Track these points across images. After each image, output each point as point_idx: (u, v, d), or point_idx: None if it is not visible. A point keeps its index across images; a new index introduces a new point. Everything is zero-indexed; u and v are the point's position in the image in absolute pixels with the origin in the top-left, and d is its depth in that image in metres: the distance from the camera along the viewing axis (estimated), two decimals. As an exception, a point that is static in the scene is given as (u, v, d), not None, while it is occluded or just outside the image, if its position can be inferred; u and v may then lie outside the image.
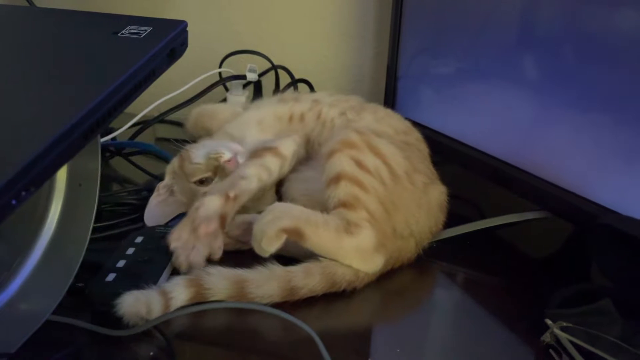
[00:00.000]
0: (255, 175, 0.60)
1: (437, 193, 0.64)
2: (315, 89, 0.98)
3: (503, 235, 0.69)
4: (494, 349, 0.50)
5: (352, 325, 0.53)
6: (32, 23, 0.53)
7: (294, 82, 0.96)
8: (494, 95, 0.70)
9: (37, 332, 0.44)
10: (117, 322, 0.47)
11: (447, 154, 0.76)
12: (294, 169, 0.67)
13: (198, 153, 0.65)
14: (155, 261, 0.54)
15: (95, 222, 0.48)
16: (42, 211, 0.49)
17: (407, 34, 0.88)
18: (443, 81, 0.81)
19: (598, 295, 0.51)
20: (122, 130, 0.87)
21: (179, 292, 0.49)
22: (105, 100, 0.41)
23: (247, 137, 0.69)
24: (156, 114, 0.90)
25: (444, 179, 0.67)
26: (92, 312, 0.49)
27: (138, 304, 0.47)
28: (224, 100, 0.97)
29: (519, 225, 0.67)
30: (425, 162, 0.68)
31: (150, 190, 0.66)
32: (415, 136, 0.72)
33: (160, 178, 0.68)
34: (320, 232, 0.54)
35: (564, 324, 0.47)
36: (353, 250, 0.54)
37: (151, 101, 0.87)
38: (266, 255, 0.53)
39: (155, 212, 0.64)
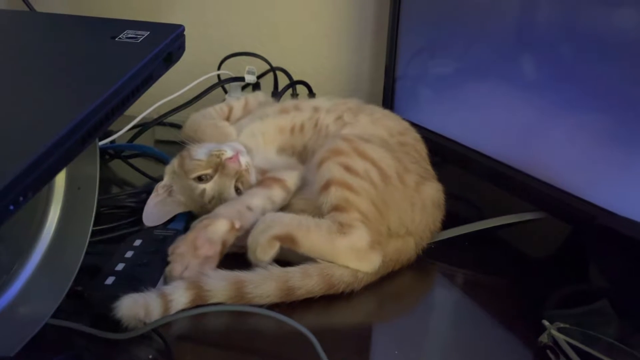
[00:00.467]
0: (261, 207, 0.61)
1: (432, 191, 0.64)
2: (314, 90, 0.98)
3: (501, 236, 0.69)
4: (492, 350, 0.50)
5: (350, 326, 0.53)
6: (32, 28, 0.53)
7: (293, 84, 0.96)
8: (492, 95, 0.71)
9: (37, 336, 0.44)
10: (116, 325, 0.47)
11: (445, 155, 0.77)
12: None
13: (200, 150, 0.65)
14: (154, 264, 0.54)
15: (94, 225, 0.48)
16: (41, 215, 0.49)
17: (405, 35, 0.88)
18: (441, 82, 0.81)
19: (595, 296, 0.51)
20: (121, 132, 0.87)
21: (179, 294, 0.50)
22: (103, 104, 0.41)
23: (253, 149, 0.70)
24: (155, 116, 0.90)
25: (443, 179, 0.68)
26: (91, 315, 0.49)
27: (136, 307, 0.47)
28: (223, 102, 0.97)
29: (517, 226, 0.67)
30: (420, 161, 0.68)
31: (149, 192, 0.66)
32: (413, 136, 0.73)
33: (159, 180, 0.68)
34: (313, 236, 0.54)
35: (562, 325, 0.47)
36: (347, 250, 0.54)
37: (150, 103, 0.88)
38: (262, 265, 0.53)
39: (153, 212, 0.64)
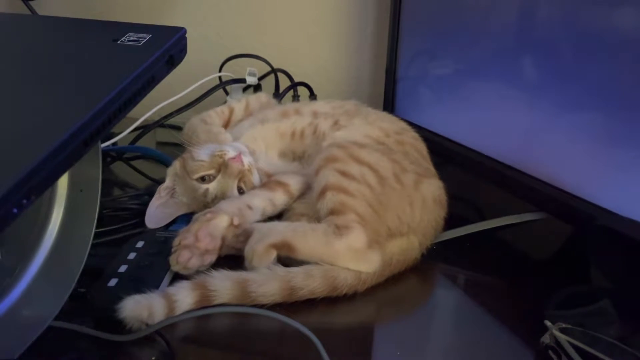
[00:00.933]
0: (261, 208, 0.62)
1: (433, 188, 0.64)
2: (315, 92, 0.98)
3: (502, 237, 0.69)
4: (494, 351, 0.50)
5: (352, 327, 0.53)
6: (34, 31, 0.54)
7: (294, 86, 0.97)
8: (493, 96, 0.71)
9: (40, 338, 0.44)
10: (119, 327, 0.47)
11: (446, 156, 0.77)
12: None
13: (202, 151, 0.66)
14: (156, 266, 0.54)
15: (96, 227, 0.48)
16: (44, 217, 0.49)
17: (405, 36, 0.88)
18: (442, 83, 0.82)
19: (597, 296, 0.51)
20: (123, 135, 0.88)
21: (184, 295, 0.50)
22: (105, 107, 0.41)
23: (256, 151, 0.70)
24: (157, 118, 0.91)
25: (444, 180, 0.68)
26: (94, 317, 0.49)
27: (139, 308, 0.47)
28: (224, 103, 0.97)
29: (518, 227, 0.67)
30: (420, 160, 0.69)
31: (151, 194, 0.66)
32: (411, 135, 0.73)
33: (161, 182, 0.68)
34: (309, 241, 0.55)
35: (563, 325, 0.47)
36: (345, 251, 0.55)
37: (152, 105, 0.88)
38: None
39: (156, 214, 0.65)
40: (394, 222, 0.59)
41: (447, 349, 0.51)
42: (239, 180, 0.65)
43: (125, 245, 0.58)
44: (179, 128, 0.89)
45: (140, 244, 0.58)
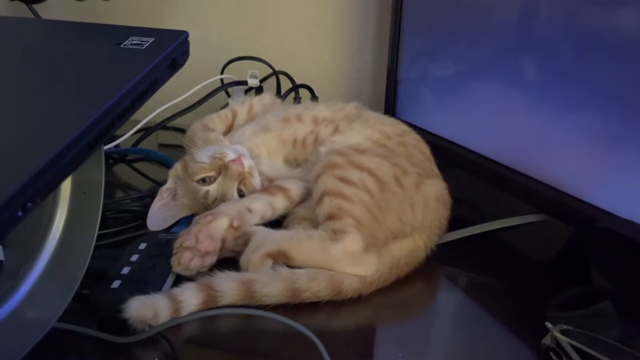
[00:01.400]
0: (260, 212, 0.63)
1: (435, 188, 0.64)
2: (317, 94, 0.98)
3: (503, 239, 0.69)
4: (495, 352, 0.50)
5: (354, 329, 0.53)
6: (38, 35, 0.54)
7: (295, 88, 0.97)
8: (494, 97, 0.71)
9: (43, 340, 0.44)
10: (122, 328, 0.47)
11: (447, 157, 0.77)
12: None
13: (203, 153, 0.66)
14: (159, 268, 0.55)
15: (99, 229, 0.48)
16: (47, 220, 0.49)
17: (406, 38, 0.88)
18: (443, 84, 0.82)
19: (598, 298, 0.51)
20: (125, 137, 0.88)
21: (189, 296, 0.50)
22: (109, 111, 0.42)
23: (260, 155, 0.71)
24: (159, 120, 0.91)
25: (445, 182, 0.68)
26: (97, 319, 0.50)
27: (144, 308, 0.48)
28: (226, 106, 0.97)
29: (520, 229, 0.67)
30: (424, 161, 0.69)
31: (153, 196, 0.67)
32: (413, 137, 0.73)
33: (163, 184, 0.68)
34: (305, 247, 0.55)
35: (564, 327, 0.47)
36: (341, 255, 0.55)
37: (154, 108, 0.88)
38: None
39: (157, 216, 0.65)
40: (395, 224, 0.59)
41: (448, 351, 0.51)
42: (239, 183, 0.65)
43: (128, 247, 0.58)
44: (181, 130, 0.90)
45: (142, 246, 0.58)
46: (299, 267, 0.55)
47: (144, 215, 0.65)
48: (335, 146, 0.67)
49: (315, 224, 0.59)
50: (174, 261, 0.54)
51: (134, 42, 0.49)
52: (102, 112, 0.41)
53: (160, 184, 0.72)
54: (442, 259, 0.63)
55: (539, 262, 0.69)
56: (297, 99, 0.97)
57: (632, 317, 0.50)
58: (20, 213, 0.35)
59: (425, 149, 0.72)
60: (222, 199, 0.64)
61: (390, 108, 0.92)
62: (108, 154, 0.87)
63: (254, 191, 0.66)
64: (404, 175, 0.62)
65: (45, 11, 1.00)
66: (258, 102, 0.84)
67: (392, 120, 0.77)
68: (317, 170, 0.61)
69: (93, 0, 0.95)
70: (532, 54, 0.65)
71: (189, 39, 0.51)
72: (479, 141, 0.73)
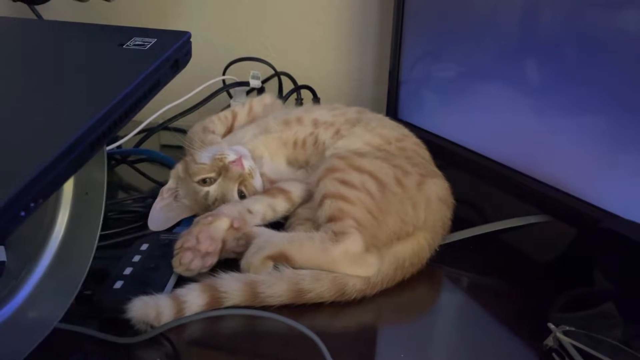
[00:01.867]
0: (261, 213, 0.63)
1: (437, 187, 0.64)
2: (318, 95, 0.98)
3: (506, 240, 0.69)
4: (497, 353, 0.50)
5: (356, 330, 0.53)
6: (40, 35, 0.54)
7: (297, 89, 0.97)
8: (496, 98, 0.71)
9: (46, 340, 0.44)
10: (125, 329, 0.47)
11: (449, 159, 0.77)
12: None
13: (203, 154, 0.66)
14: (161, 268, 0.55)
15: (101, 230, 0.48)
16: (50, 220, 0.49)
17: (408, 39, 0.88)
18: (445, 85, 0.82)
19: (601, 299, 0.51)
20: (127, 138, 0.88)
21: (193, 296, 0.50)
22: (111, 111, 0.41)
23: (262, 157, 0.71)
24: (161, 121, 0.91)
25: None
26: (100, 319, 0.50)
27: (147, 309, 0.48)
28: (228, 107, 0.97)
29: (522, 230, 0.67)
30: (425, 163, 0.69)
31: (155, 197, 0.67)
32: (413, 141, 0.73)
33: (164, 185, 0.68)
34: (305, 249, 0.55)
35: (567, 328, 0.47)
36: (342, 256, 0.54)
37: (156, 108, 0.88)
38: None
39: (159, 216, 0.65)
40: (397, 225, 0.59)
41: (450, 351, 0.51)
42: (240, 184, 0.65)
43: (130, 247, 0.58)
44: (183, 131, 0.90)
45: (144, 247, 0.58)
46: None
47: (146, 216, 0.65)
48: (337, 151, 0.67)
49: (317, 225, 0.59)
50: (175, 262, 0.54)
51: (137, 42, 0.49)
52: (104, 113, 0.41)
53: (163, 185, 0.72)
54: (444, 260, 0.63)
55: (541, 263, 0.69)
56: (299, 100, 0.97)
57: (635, 318, 0.50)
58: (22, 213, 0.35)
59: (425, 153, 0.72)
60: (222, 200, 0.65)
61: (392, 109, 0.92)
62: (110, 155, 0.87)
63: (255, 192, 0.66)
64: (405, 176, 0.62)
65: (48, 12, 1.00)
66: (258, 102, 0.84)
67: (392, 123, 0.76)
68: (318, 174, 0.61)
69: (95, 1, 0.95)
70: (534, 55, 0.65)
71: (191, 40, 0.51)
72: (481, 142, 0.73)
